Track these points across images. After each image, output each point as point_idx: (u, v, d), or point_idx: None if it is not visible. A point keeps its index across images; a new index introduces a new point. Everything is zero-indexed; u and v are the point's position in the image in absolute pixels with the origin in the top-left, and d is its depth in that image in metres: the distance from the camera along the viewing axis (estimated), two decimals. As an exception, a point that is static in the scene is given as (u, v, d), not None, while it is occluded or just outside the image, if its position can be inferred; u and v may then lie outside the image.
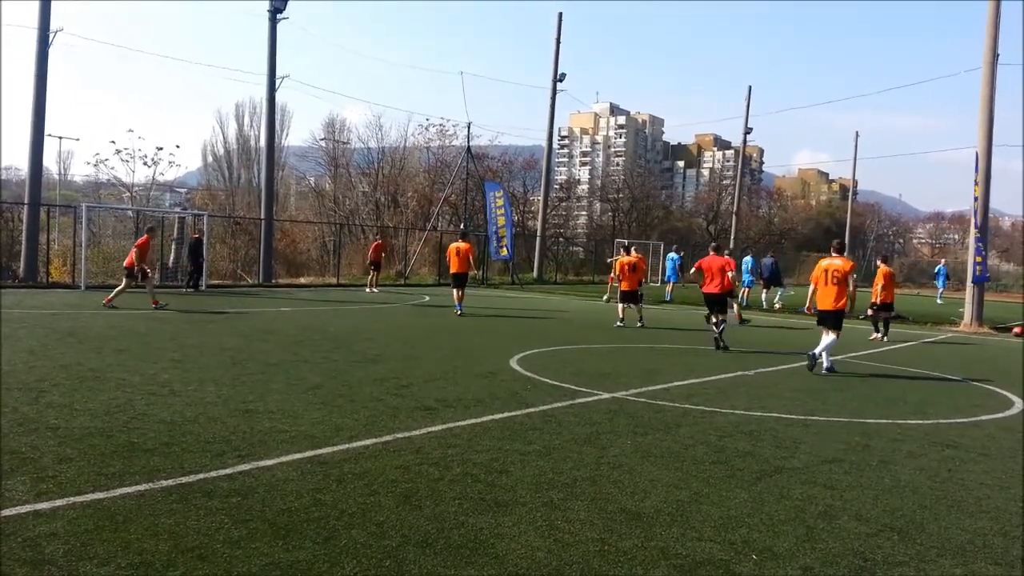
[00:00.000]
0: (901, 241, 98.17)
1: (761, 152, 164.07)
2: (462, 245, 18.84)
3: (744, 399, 9.04)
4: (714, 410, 8.28)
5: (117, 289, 16.83)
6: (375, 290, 25.51)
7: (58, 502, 4.53)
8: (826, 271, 11.58)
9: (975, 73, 21.71)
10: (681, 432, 7.17)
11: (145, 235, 17.84)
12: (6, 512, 4.34)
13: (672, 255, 29.50)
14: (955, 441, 7.41)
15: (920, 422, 8.29)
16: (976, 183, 21.31)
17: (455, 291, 18.72)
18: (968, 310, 21.78)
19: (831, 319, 11.58)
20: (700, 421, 7.71)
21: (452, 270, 18.84)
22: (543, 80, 38.49)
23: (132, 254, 16.92)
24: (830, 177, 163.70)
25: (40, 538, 4.00)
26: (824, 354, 11.55)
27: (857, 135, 63.19)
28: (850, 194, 76.35)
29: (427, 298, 22.20)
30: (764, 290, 26.42)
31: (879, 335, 17.37)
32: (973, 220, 21.73)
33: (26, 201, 23.75)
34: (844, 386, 10.51)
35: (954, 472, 6.29)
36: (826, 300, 11.61)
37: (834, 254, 11.85)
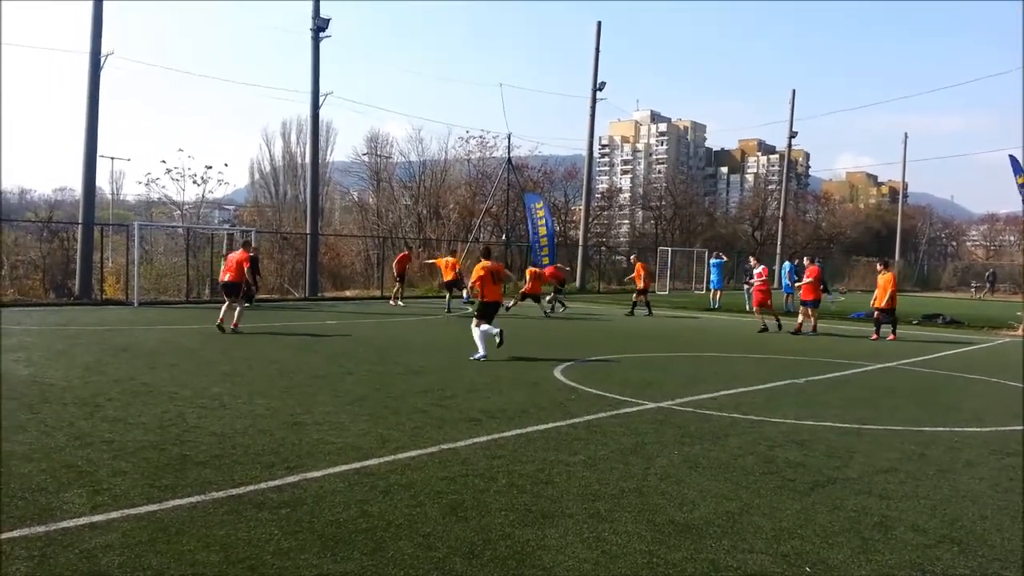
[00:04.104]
0: (954, 244, 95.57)
1: (807, 156, 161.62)
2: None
3: (794, 408, 8.87)
4: (763, 419, 8.14)
5: (238, 312, 15.02)
6: (400, 303, 24.35)
7: (113, 514, 4.64)
8: None
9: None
10: (730, 442, 7.06)
11: (243, 249, 15.86)
12: (63, 524, 4.45)
13: (715, 260, 29.09)
14: (1016, 449, 7.17)
15: (978, 430, 8.03)
16: (1021, 186, 20.74)
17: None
18: (1027, 314, 21.12)
19: None
20: (749, 430, 7.58)
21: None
22: (583, 90, 38.42)
23: (233, 268, 15.08)
24: (879, 180, 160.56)
25: (96, 550, 4.09)
26: None
27: (906, 136, 61.90)
28: (900, 197, 74.78)
29: (471, 309, 22.27)
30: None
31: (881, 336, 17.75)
32: None
33: (80, 221, 24.43)
34: (897, 394, 10.26)
35: (1016, 481, 6.08)
36: None
37: None
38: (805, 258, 22.71)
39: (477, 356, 11.97)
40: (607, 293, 36.36)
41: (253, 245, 25.36)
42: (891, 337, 17.48)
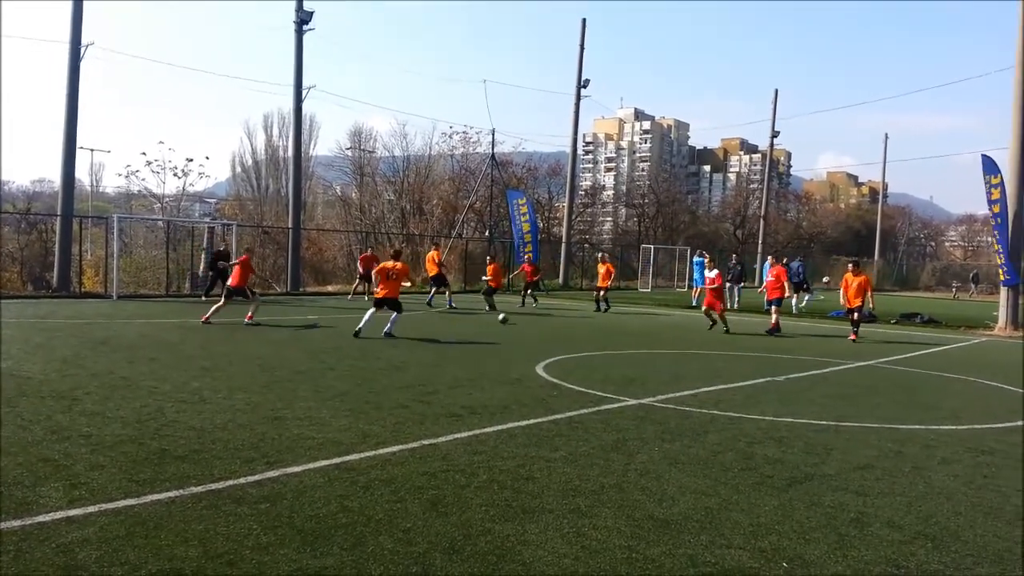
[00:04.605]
0: (933, 244, 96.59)
1: (788, 156, 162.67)
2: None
3: (773, 405, 8.94)
4: (743, 416, 8.20)
5: (253, 308, 15.92)
6: (368, 299, 24.77)
7: (90, 508, 4.60)
8: None
9: (1006, 72, 21.42)
10: (709, 438, 7.11)
11: (245, 254, 16.70)
12: (40, 518, 4.41)
13: (698, 259, 29.29)
14: (991, 447, 7.27)
15: (954, 427, 8.14)
16: (994, 186, 20.99)
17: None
18: (1003, 313, 21.40)
19: None
20: (728, 427, 7.63)
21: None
22: (567, 86, 38.48)
23: (237, 273, 15.94)
24: (859, 180, 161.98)
25: (73, 544, 4.06)
26: None
27: (887, 137, 62.58)
28: (880, 197, 75.48)
29: (454, 305, 22.26)
30: (793, 295, 26.09)
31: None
32: (993, 223, 21.54)
33: (59, 213, 24.17)
34: (876, 392, 10.36)
35: (990, 478, 6.16)
36: None
37: None
38: (770, 257, 22.77)
39: (358, 327, 14.23)
40: (590, 290, 36.39)
41: (218, 235, 25.26)
42: (852, 337, 17.01)
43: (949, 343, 18.02)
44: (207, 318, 15.54)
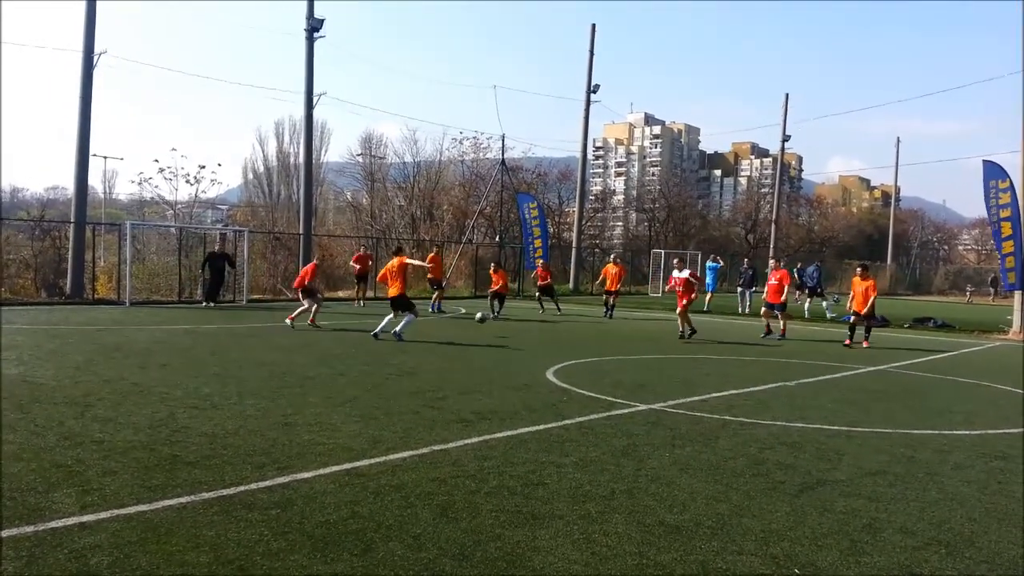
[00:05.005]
0: (946, 248, 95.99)
1: (800, 159, 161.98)
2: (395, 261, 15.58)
3: (785, 410, 8.90)
4: (754, 421, 8.16)
5: (300, 310, 16.71)
6: (361, 303, 24.83)
7: (102, 514, 4.62)
8: None
9: (1016, 75, 21.31)
10: (720, 444, 7.08)
11: (314, 261, 18.29)
12: (53, 524, 4.44)
13: (711, 264, 29.23)
14: (1004, 452, 7.21)
15: (967, 432, 8.08)
16: (1003, 190, 20.81)
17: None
18: (1017, 318, 21.22)
19: None
20: (740, 433, 7.60)
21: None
22: (575, 90, 38.52)
23: (302, 276, 17.20)
24: (871, 184, 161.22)
25: (85, 550, 4.08)
26: None
27: (898, 141, 62.30)
28: (892, 201, 75.15)
29: (463, 310, 22.30)
30: (807, 300, 25.98)
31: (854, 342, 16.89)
32: (992, 228, 21.44)
33: (72, 220, 24.34)
34: (888, 397, 10.30)
35: (1004, 484, 6.11)
36: None
37: None
38: (772, 260, 22.34)
39: (375, 330, 14.77)
40: (600, 295, 36.32)
41: (229, 241, 25.38)
42: (864, 344, 16.70)
43: (962, 347, 17.89)
44: (294, 318, 16.41)
